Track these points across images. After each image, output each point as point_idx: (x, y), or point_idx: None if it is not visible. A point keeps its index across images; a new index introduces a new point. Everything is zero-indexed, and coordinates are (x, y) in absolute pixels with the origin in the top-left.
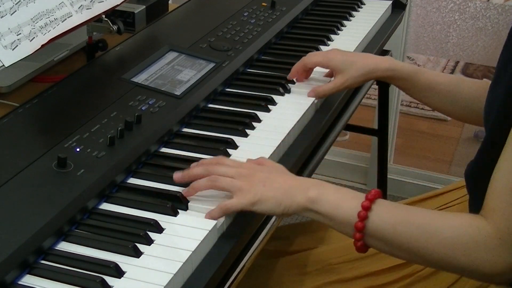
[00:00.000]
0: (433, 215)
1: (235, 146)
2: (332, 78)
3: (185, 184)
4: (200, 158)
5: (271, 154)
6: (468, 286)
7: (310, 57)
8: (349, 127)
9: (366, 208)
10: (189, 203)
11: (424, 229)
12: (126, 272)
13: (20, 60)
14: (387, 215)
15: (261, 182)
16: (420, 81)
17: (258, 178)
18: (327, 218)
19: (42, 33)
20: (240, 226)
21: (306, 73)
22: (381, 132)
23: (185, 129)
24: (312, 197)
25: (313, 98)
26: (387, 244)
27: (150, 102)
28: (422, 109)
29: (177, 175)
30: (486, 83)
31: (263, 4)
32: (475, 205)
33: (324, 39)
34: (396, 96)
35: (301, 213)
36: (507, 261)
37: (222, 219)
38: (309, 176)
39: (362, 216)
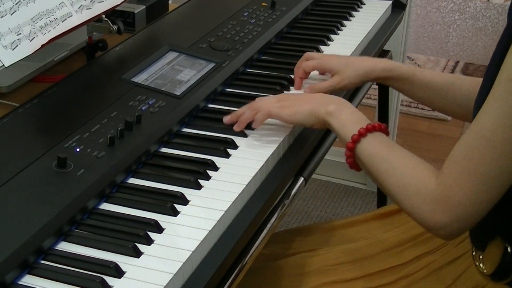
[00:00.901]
0: (404, 159)
1: (235, 146)
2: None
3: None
4: (200, 158)
5: (271, 154)
6: (465, 287)
7: (307, 63)
8: None
9: (361, 134)
10: (189, 203)
11: (390, 168)
12: (126, 272)
13: (20, 60)
14: (373, 146)
15: (296, 99)
16: (417, 81)
17: (293, 97)
18: (336, 131)
19: (42, 33)
20: (240, 226)
21: (306, 74)
22: None
23: (185, 129)
24: (329, 111)
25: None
26: (364, 167)
27: (150, 102)
28: (422, 109)
29: (226, 118)
30: None
31: (263, 4)
32: None
33: (324, 39)
34: (396, 96)
35: (322, 123)
36: (440, 219)
37: (221, 218)
38: (309, 176)
39: (354, 139)
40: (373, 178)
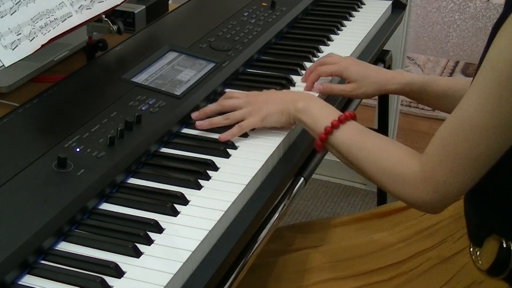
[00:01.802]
0: (382, 144)
1: (235, 146)
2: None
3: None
4: (200, 158)
5: (271, 154)
6: (463, 283)
7: (325, 68)
8: None
9: (333, 126)
10: (189, 203)
11: (370, 155)
12: (126, 272)
13: (20, 60)
14: (348, 136)
15: (264, 102)
16: (434, 90)
17: (261, 100)
18: (307, 127)
19: (42, 33)
20: (240, 226)
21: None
22: (381, 132)
23: (185, 129)
24: (299, 107)
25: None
26: (340, 154)
27: (150, 102)
28: (422, 109)
29: (194, 114)
30: None
31: (263, 4)
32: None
33: (324, 39)
34: (396, 96)
35: (296, 121)
36: (426, 198)
37: (221, 218)
38: (309, 176)
39: (327, 130)
40: (351, 166)
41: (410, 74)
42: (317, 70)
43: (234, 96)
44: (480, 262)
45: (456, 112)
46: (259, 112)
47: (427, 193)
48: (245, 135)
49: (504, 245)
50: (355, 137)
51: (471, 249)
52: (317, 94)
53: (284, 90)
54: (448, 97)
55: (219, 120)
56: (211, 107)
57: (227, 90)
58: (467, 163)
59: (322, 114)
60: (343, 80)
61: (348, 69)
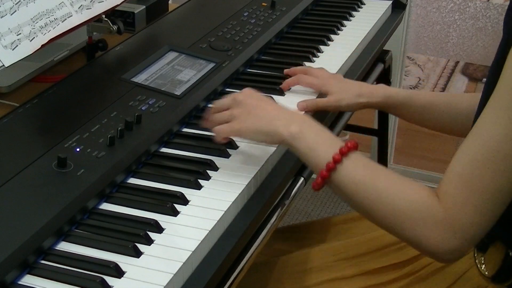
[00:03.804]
0: (395, 182)
1: (235, 146)
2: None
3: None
4: (200, 158)
5: (271, 154)
6: (467, 286)
7: (305, 78)
8: (349, 127)
9: (336, 161)
10: (189, 203)
11: (381, 195)
12: (126, 272)
13: (20, 60)
14: (354, 172)
15: (250, 113)
16: (416, 104)
17: (250, 104)
18: (302, 156)
19: (42, 33)
20: (240, 226)
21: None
22: (381, 132)
23: (185, 129)
24: (293, 133)
25: (313, 98)
26: (344, 195)
27: (150, 102)
28: None
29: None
30: None
31: (263, 4)
32: None
33: (324, 39)
34: None
35: (281, 144)
36: (450, 244)
37: (221, 218)
38: (309, 176)
39: (330, 167)
40: (356, 206)
41: (392, 88)
42: (298, 76)
43: (218, 106)
44: (483, 268)
45: (475, 142)
46: (244, 121)
47: (452, 239)
48: None
49: (510, 254)
50: (363, 174)
51: (475, 255)
52: (302, 113)
53: (274, 104)
54: (430, 112)
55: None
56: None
57: (227, 90)
58: (495, 197)
59: (319, 143)
60: (323, 95)
61: (328, 83)
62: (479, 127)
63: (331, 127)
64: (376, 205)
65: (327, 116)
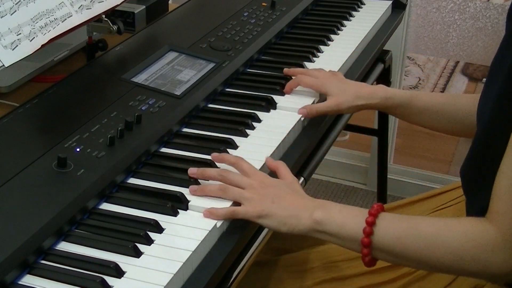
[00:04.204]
0: (438, 224)
1: (235, 146)
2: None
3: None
4: (200, 158)
5: (271, 154)
6: (465, 285)
7: (305, 78)
8: (349, 127)
9: (371, 224)
10: (189, 203)
11: (430, 240)
12: (126, 272)
13: (20, 60)
14: (392, 229)
15: (270, 198)
16: (416, 105)
17: (269, 192)
18: (334, 237)
19: (42, 33)
20: (240, 226)
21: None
22: (381, 132)
23: (185, 129)
24: (318, 219)
25: (314, 98)
26: (395, 256)
27: (150, 102)
28: None
29: (192, 170)
30: None
31: (263, 4)
32: (470, 203)
33: (324, 39)
34: None
35: (307, 234)
36: None
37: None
38: (309, 176)
39: (367, 232)
40: (411, 262)
41: (391, 89)
42: (298, 77)
43: (242, 169)
44: None
45: (510, 157)
46: (260, 206)
47: None
48: (245, 135)
49: None
50: (401, 227)
51: None
52: (302, 119)
53: (294, 192)
54: (430, 113)
55: (214, 190)
56: (211, 173)
57: (227, 90)
58: None
59: (347, 217)
60: (323, 95)
61: (328, 83)
62: None
63: (331, 127)
64: (429, 252)
65: (327, 116)
